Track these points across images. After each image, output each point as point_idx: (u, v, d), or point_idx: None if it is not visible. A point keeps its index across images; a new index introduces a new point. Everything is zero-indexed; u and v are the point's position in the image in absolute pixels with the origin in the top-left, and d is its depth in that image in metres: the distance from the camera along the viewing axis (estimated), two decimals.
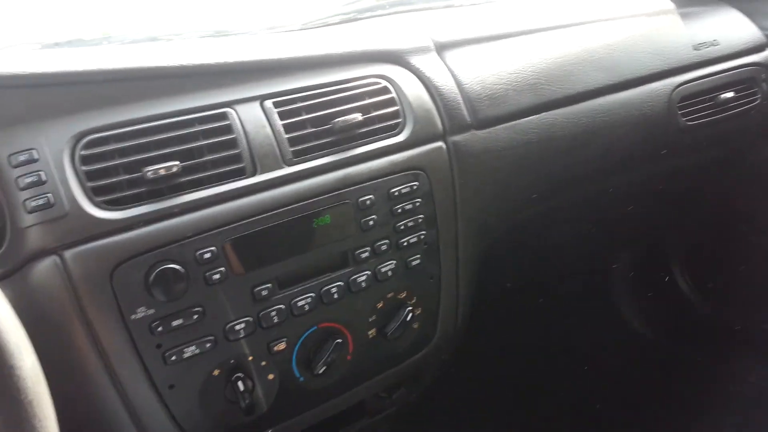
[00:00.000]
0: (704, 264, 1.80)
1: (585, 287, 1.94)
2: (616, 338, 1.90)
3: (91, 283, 0.75)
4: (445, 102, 1.04)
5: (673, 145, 1.33)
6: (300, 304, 0.89)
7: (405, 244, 0.97)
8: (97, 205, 0.76)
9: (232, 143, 0.84)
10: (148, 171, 0.77)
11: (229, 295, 0.83)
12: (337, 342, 0.92)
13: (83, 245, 0.75)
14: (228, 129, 0.85)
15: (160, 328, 0.79)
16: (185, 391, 0.83)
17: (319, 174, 0.89)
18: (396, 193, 0.95)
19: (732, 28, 1.42)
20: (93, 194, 0.76)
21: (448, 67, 1.08)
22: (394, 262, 0.96)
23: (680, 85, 1.31)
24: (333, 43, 1.00)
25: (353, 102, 0.94)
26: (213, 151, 0.83)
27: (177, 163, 0.79)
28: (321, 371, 0.91)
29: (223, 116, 0.85)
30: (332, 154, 0.91)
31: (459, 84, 1.07)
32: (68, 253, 0.74)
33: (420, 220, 0.98)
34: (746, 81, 1.40)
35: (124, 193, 0.77)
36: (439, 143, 1.01)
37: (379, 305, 0.97)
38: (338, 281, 0.92)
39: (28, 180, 0.73)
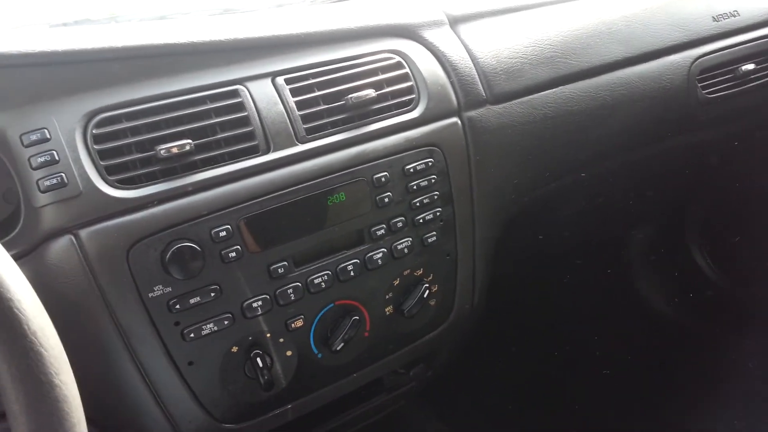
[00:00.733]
0: (723, 240, 1.78)
1: (602, 265, 1.92)
2: (635, 316, 1.88)
3: (107, 261, 0.75)
4: (460, 77, 1.02)
5: (693, 118, 1.31)
6: (316, 281, 0.88)
7: (421, 221, 0.96)
8: (111, 184, 0.76)
9: (245, 121, 0.84)
10: (161, 149, 0.77)
11: (246, 273, 0.83)
12: (355, 319, 0.92)
13: (98, 224, 0.75)
14: (240, 106, 0.84)
15: (177, 306, 0.79)
16: (204, 368, 0.83)
17: (332, 151, 0.89)
18: (411, 170, 0.94)
19: None
20: (106, 173, 0.76)
21: (462, 41, 1.06)
22: (410, 239, 0.96)
23: (700, 57, 1.28)
24: (344, 18, 0.98)
25: (366, 78, 0.93)
26: (225, 129, 0.83)
27: (189, 141, 0.79)
28: (339, 348, 0.91)
29: (235, 93, 0.84)
30: (346, 131, 0.90)
31: (474, 58, 1.05)
32: (83, 232, 0.74)
33: (436, 197, 0.97)
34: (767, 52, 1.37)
35: (137, 172, 0.77)
36: (454, 119, 1.00)
37: (396, 282, 0.97)
38: (354, 258, 0.91)
39: (41, 159, 0.73)
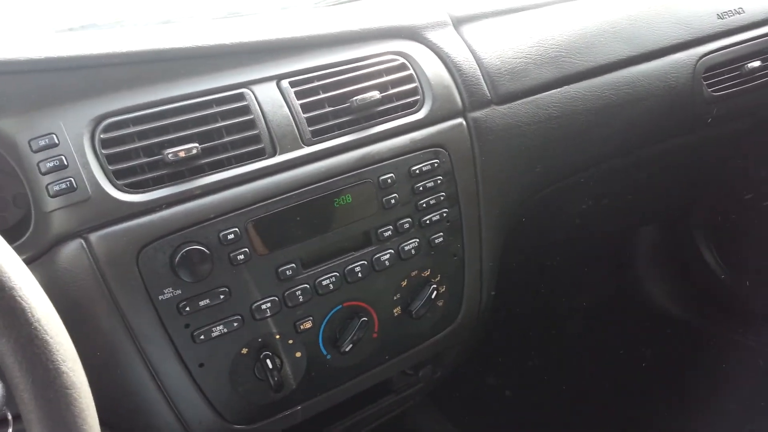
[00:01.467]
0: (730, 238, 1.77)
1: (610, 265, 1.92)
2: (644, 317, 1.87)
3: (117, 265, 0.76)
4: (464, 78, 1.02)
5: (699, 117, 1.30)
6: (324, 283, 0.89)
7: (427, 222, 0.96)
8: (119, 188, 0.76)
9: (251, 124, 0.84)
10: (168, 153, 0.78)
11: (254, 275, 0.83)
12: (363, 320, 0.92)
13: (108, 228, 0.76)
14: (245, 110, 0.84)
15: (187, 308, 0.79)
16: (215, 370, 0.84)
17: (338, 153, 0.89)
18: (417, 171, 0.94)
19: None
20: (115, 177, 0.77)
21: (466, 41, 1.06)
22: (417, 240, 0.96)
23: (705, 55, 1.28)
24: (347, 21, 0.99)
25: (371, 80, 0.94)
26: (231, 133, 0.83)
27: (196, 145, 0.79)
28: (347, 349, 0.91)
29: (240, 97, 0.85)
30: (351, 133, 0.90)
31: (478, 59, 1.05)
32: (93, 236, 0.75)
33: (442, 198, 0.97)
34: None
35: (145, 176, 0.78)
36: (459, 120, 1.00)
37: (403, 283, 0.97)
38: (362, 260, 0.92)
39: (50, 164, 0.74)
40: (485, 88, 1.04)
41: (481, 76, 1.04)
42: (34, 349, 0.49)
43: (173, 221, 0.78)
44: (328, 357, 0.93)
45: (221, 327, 0.82)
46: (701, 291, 1.83)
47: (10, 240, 0.76)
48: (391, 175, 0.92)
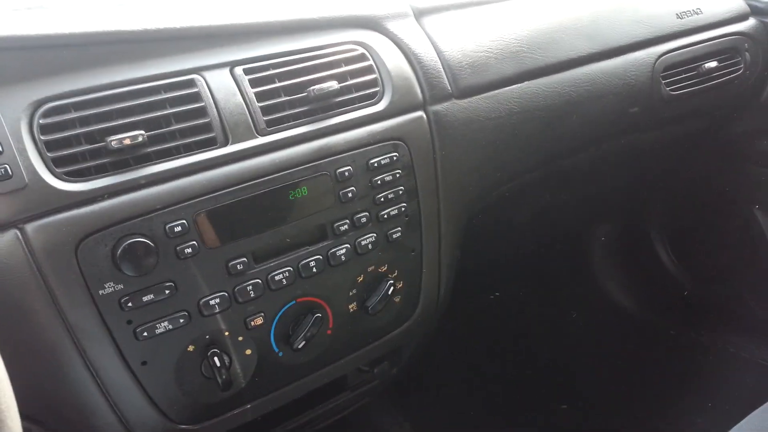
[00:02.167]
0: (685, 237, 1.80)
1: (567, 262, 1.94)
2: (600, 312, 1.90)
3: (54, 257, 0.72)
4: (425, 70, 1.01)
5: (656, 115, 1.32)
6: (277, 278, 0.86)
7: (385, 216, 0.95)
8: (58, 176, 0.73)
9: (201, 112, 0.81)
10: (112, 141, 0.74)
11: (203, 270, 0.81)
12: (317, 316, 0.90)
13: (45, 218, 0.72)
14: (196, 97, 0.81)
15: (130, 304, 0.76)
16: (159, 368, 0.81)
17: (294, 144, 0.86)
18: (375, 164, 0.92)
19: None
20: (54, 165, 0.73)
21: (428, 33, 1.05)
22: (375, 234, 0.94)
23: (663, 54, 1.29)
24: (306, 8, 0.96)
25: (329, 69, 0.91)
26: (180, 120, 0.80)
27: (142, 132, 0.76)
28: (300, 346, 0.89)
29: (191, 83, 0.81)
30: (308, 123, 0.88)
31: (439, 51, 1.04)
32: (29, 227, 0.71)
33: (400, 192, 0.96)
34: (729, 50, 1.39)
35: (86, 164, 0.74)
36: (419, 113, 0.99)
37: (360, 279, 0.95)
38: (317, 255, 0.89)
39: None
40: (446, 82, 1.02)
41: (442, 69, 1.02)
42: None
43: (116, 212, 0.74)
44: (280, 354, 0.90)
45: (166, 323, 0.79)
46: (657, 288, 1.87)
47: None
48: (349, 168, 0.90)
